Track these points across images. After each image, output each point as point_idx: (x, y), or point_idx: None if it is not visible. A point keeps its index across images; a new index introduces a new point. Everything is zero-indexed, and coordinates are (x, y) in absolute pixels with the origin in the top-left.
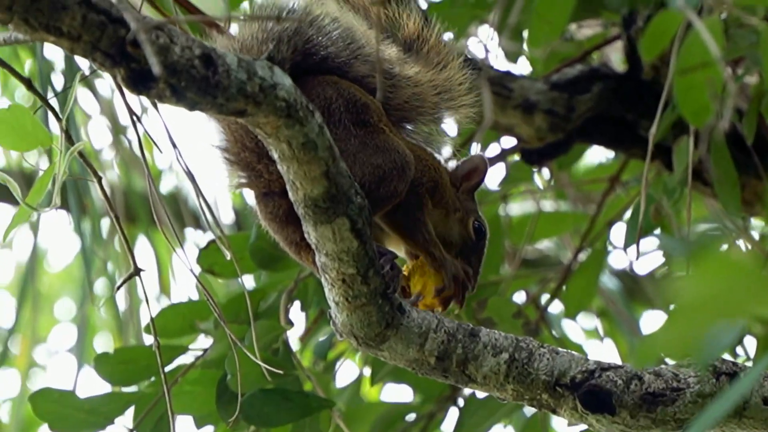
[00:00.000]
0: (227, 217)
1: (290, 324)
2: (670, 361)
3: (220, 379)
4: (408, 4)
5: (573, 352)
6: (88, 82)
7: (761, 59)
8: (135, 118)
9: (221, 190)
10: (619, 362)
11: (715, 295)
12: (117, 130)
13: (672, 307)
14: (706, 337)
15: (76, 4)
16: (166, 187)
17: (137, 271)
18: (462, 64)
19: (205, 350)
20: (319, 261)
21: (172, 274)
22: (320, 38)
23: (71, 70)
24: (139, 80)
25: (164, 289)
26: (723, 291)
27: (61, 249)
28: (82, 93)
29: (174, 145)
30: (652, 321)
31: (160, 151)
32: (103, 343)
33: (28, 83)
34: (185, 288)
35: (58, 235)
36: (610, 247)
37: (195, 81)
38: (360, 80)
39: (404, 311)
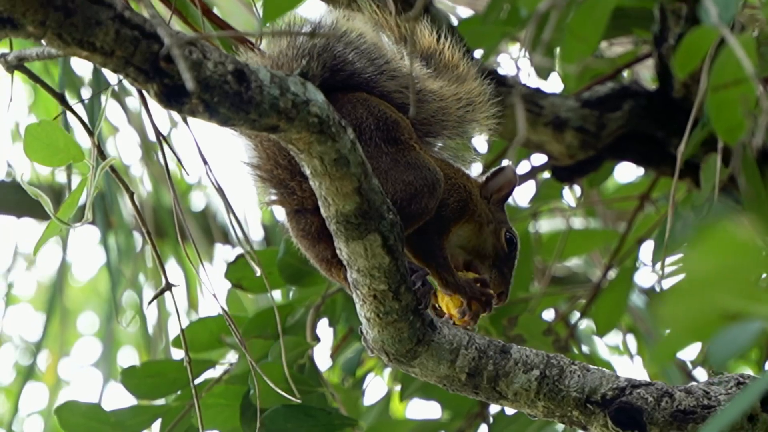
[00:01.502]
0: (256, 233)
1: (317, 340)
2: (701, 378)
3: (245, 394)
4: (437, 18)
5: (604, 369)
6: (116, 96)
7: None
8: (161, 137)
9: (250, 206)
10: (648, 380)
11: (719, 272)
12: (146, 145)
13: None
14: (719, 338)
15: (109, 19)
16: (195, 202)
17: (168, 286)
18: (479, 74)
19: (232, 365)
20: (351, 277)
21: (200, 289)
22: (348, 54)
23: (98, 83)
24: (172, 96)
25: (192, 304)
26: (727, 267)
27: (85, 262)
28: (110, 107)
29: (204, 161)
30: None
31: (186, 172)
32: (127, 357)
33: (61, 98)
34: (215, 303)
35: (83, 249)
36: (639, 265)
37: (228, 96)
38: (387, 96)
39: (435, 328)
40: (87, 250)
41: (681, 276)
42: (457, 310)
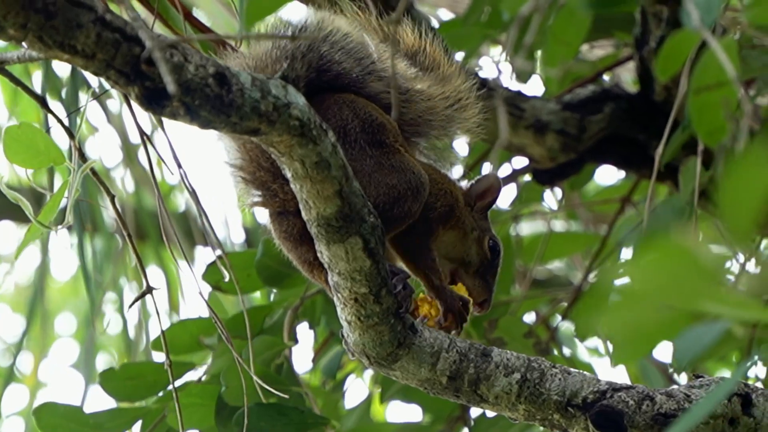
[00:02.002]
0: (238, 235)
1: (294, 341)
2: (682, 382)
3: (220, 393)
4: (418, 19)
5: (585, 372)
6: (97, 98)
7: None
8: (145, 138)
9: (231, 209)
10: (629, 383)
11: (662, 283)
12: (127, 147)
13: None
14: (682, 338)
15: (90, 22)
16: (176, 204)
17: (149, 289)
18: (464, 73)
19: (208, 366)
20: (332, 280)
21: (180, 292)
22: (334, 54)
23: (74, 85)
24: (153, 98)
25: (173, 306)
26: (670, 279)
27: (64, 263)
28: (92, 109)
29: (179, 164)
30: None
31: (171, 171)
32: (106, 360)
33: (41, 101)
34: (195, 306)
35: (62, 250)
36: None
37: (209, 100)
38: (374, 97)
39: (416, 331)
40: (67, 251)
41: (625, 283)
42: (435, 321)
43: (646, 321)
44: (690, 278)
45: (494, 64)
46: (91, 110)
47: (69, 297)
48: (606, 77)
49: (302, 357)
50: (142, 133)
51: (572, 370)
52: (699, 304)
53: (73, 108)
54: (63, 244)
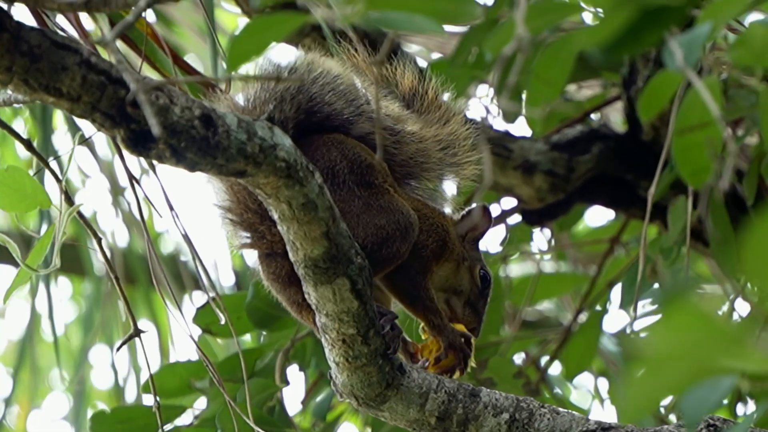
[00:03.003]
0: (228, 278)
1: (286, 383)
2: (673, 419)
3: None
4: (404, 60)
5: (573, 412)
6: (88, 143)
7: (760, 120)
8: (134, 181)
9: (221, 252)
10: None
11: (683, 349)
12: (116, 191)
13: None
14: (692, 395)
15: (76, 64)
16: (166, 248)
17: (137, 332)
18: (464, 119)
19: (201, 411)
20: (320, 321)
21: (170, 336)
22: (324, 95)
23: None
24: (139, 141)
25: (164, 350)
26: (691, 345)
27: (58, 315)
28: (81, 153)
29: (171, 207)
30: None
31: (160, 216)
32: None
33: (27, 144)
34: (186, 349)
35: (56, 300)
36: (609, 308)
37: (195, 141)
38: (364, 138)
39: (404, 371)
40: (61, 301)
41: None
42: (435, 357)
43: (668, 386)
44: (713, 344)
45: (481, 104)
46: (83, 155)
47: (63, 350)
48: (594, 117)
49: (293, 399)
50: (129, 175)
51: (561, 410)
52: (721, 366)
53: (61, 151)
54: (56, 294)
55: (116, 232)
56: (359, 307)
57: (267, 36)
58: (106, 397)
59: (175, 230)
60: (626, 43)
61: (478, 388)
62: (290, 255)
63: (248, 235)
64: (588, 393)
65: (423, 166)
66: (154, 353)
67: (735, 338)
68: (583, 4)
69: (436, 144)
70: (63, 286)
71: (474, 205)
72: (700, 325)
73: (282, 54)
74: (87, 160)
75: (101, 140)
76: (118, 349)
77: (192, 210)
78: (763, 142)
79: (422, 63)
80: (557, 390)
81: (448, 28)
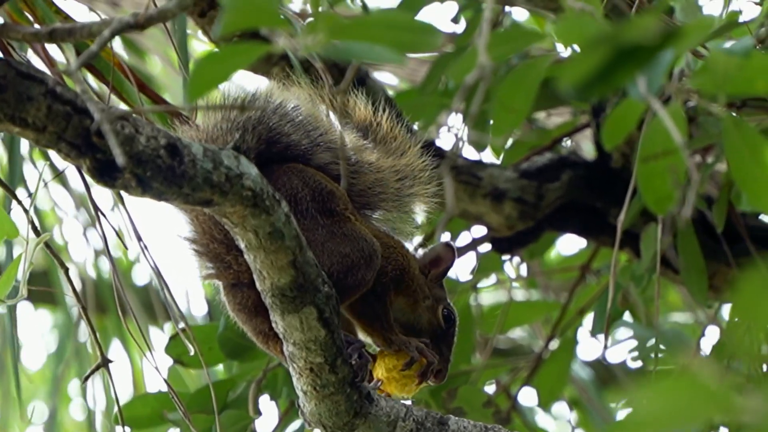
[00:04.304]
0: (200, 308)
1: (258, 413)
2: None
3: None
4: (358, 91)
5: None
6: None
7: (725, 147)
8: (99, 212)
9: (193, 282)
10: None
11: (670, 412)
12: (92, 220)
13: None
14: None
15: (41, 94)
16: (138, 278)
17: (105, 362)
18: (421, 150)
19: None
20: (287, 350)
21: (142, 367)
22: (283, 126)
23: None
24: (104, 171)
25: (136, 380)
26: (679, 408)
27: (36, 348)
28: (54, 186)
29: (139, 238)
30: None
31: (125, 247)
32: None
33: None
34: (158, 380)
35: (34, 334)
36: (581, 336)
37: (161, 171)
38: (323, 167)
39: (372, 400)
40: (39, 334)
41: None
42: (404, 363)
43: None
44: (701, 407)
45: (448, 132)
46: (54, 186)
47: (41, 384)
48: (565, 144)
49: (265, 429)
50: (94, 206)
51: None
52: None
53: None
54: (34, 325)
55: (88, 263)
56: (326, 335)
57: (229, 65)
58: (80, 429)
59: (145, 261)
60: (600, 82)
61: (447, 416)
62: (257, 284)
63: (214, 265)
64: (567, 424)
65: (381, 196)
66: (126, 384)
67: (724, 399)
68: (558, 42)
69: (394, 174)
70: (41, 317)
71: (439, 242)
72: (687, 390)
73: (246, 84)
74: (59, 191)
75: (74, 171)
76: (85, 379)
77: (164, 240)
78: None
79: (391, 92)
80: (527, 419)
81: (418, 56)
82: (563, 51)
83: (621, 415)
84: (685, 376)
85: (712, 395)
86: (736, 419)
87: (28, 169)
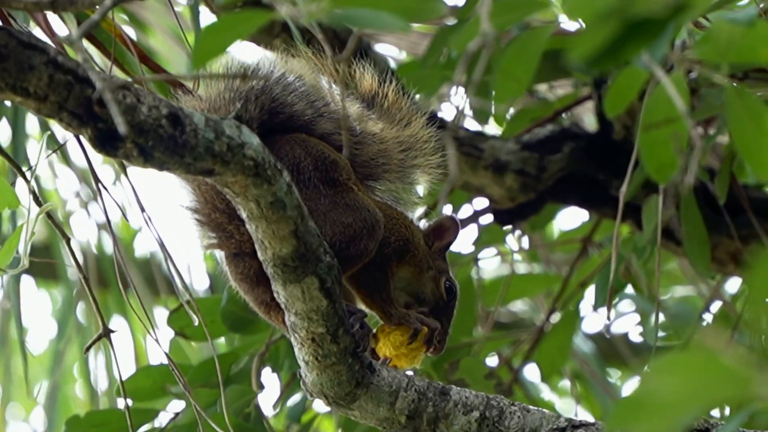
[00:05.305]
0: (202, 281)
1: (261, 388)
2: None
3: None
4: (364, 62)
5: (544, 410)
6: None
7: (727, 117)
8: (100, 184)
9: (196, 255)
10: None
11: (686, 393)
12: (93, 194)
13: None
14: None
15: (43, 64)
16: (140, 250)
17: (107, 332)
18: (426, 121)
19: (177, 414)
20: (289, 320)
21: (144, 339)
22: (286, 96)
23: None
24: (106, 140)
25: (139, 353)
26: (698, 387)
27: (39, 329)
28: (57, 163)
29: (143, 209)
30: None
31: (127, 220)
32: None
33: None
34: (160, 353)
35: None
36: (582, 309)
37: (162, 140)
38: (326, 137)
39: (374, 370)
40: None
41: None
42: (409, 336)
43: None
44: (721, 386)
45: (452, 104)
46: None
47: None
48: (565, 116)
49: (267, 401)
50: (95, 178)
51: (531, 407)
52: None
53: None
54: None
55: (90, 236)
56: (328, 305)
57: (232, 34)
58: (85, 404)
59: (147, 235)
60: (609, 56)
61: (448, 386)
62: (259, 254)
63: (216, 234)
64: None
65: (384, 167)
66: (128, 359)
67: (742, 377)
68: (564, 15)
69: (397, 146)
70: (43, 298)
71: (443, 215)
72: (706, 366)
73: (248, 54)
74: (62, 169)
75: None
76: (87, 350)
77: (167, 212)
78: (733, 141)
79: (393, 63)
80: (529, 391)
81: (420, 28)
82: (564, 22)
83: (628, 391)
84: (700, 352)
85: (731, 373)
86: (751, 396)
87: (32, 147)
